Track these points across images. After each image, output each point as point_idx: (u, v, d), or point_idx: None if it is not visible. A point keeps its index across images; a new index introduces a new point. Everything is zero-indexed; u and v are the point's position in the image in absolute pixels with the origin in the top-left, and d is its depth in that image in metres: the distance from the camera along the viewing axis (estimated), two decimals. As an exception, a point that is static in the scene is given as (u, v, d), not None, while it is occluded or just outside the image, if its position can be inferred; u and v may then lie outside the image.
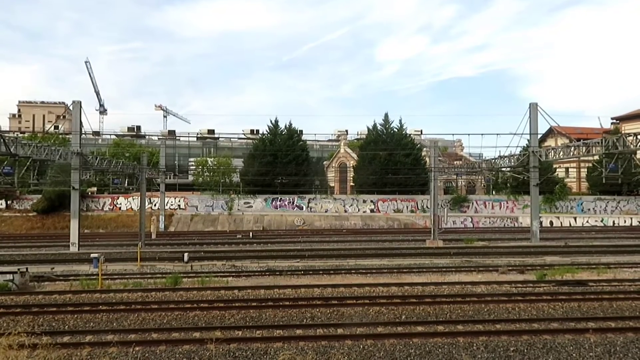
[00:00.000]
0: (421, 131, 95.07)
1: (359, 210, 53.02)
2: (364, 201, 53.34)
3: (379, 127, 57.83)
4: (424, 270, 22.96)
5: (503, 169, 45.58)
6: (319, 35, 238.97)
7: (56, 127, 74.96)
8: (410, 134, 61.40)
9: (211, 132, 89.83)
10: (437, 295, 17.02)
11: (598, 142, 29.95)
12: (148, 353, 11.58)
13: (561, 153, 33.25)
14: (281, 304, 15.86)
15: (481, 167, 47.82)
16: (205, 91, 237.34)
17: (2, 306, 15.94)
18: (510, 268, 22.97)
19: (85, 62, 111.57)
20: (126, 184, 39.83)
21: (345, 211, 52.83)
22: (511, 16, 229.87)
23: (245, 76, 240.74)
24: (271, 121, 57.87)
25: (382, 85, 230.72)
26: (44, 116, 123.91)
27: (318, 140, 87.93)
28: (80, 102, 31.04)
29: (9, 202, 53.26)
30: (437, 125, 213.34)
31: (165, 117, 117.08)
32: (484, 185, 62.00)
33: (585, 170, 59.17)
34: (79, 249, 30.10)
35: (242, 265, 24.43)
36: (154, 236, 39.81)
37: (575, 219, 51.46)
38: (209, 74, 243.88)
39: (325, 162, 71.96)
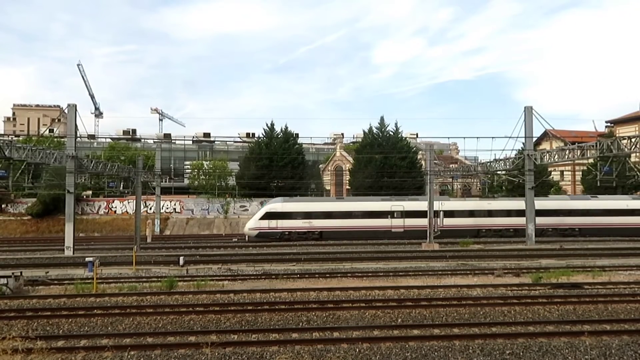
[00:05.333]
0: (417, 134, 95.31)
1: (354, 213, 52.84)
2: (360, 204, 53.21)
3: (374, 130, 57.89)
4: (420, 273, 22.96)
5: (498, 172, 45.75)
6: (315, 37, 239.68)
7: (51, 130, 74.69)
8: (406, 138, 61.52)
9: (207, 135, 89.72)
10: (433, 298, 17.04)
11: (593, 146, 30.16)
12: (143, 357, 11.54)
13: (556, 156, 33.40)
14: (277, 307, 15.83)
15: (477, 170, 47.97)
16: (201, 94, 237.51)
17: (-4, 310, 15.84)
18: (505, 271, 23.01)
19: (78, 65, 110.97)
20: (121, 188, 39.75)
21: (341, 214, 52.66)
22: (507, 19, 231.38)
23: (242, 79, 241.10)
24: (267, 124, 57.93)
25: (379, 88, 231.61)
26: (38, 119, 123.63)
27: (314, 144, 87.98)
28: (76, 105, 31.00)
29: (3, 205, 52.97)
30: (434, 128, 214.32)
31: (161, 120, 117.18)
32: (479, 189, 62.16)
33: (580, 173, 59.46)
34: (73, 253, 29.97)
35: (238, 269, 24.37)
36: (149, 240, 39.67)
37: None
38: (204, 76, 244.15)
39: (321, 166, 72.01)
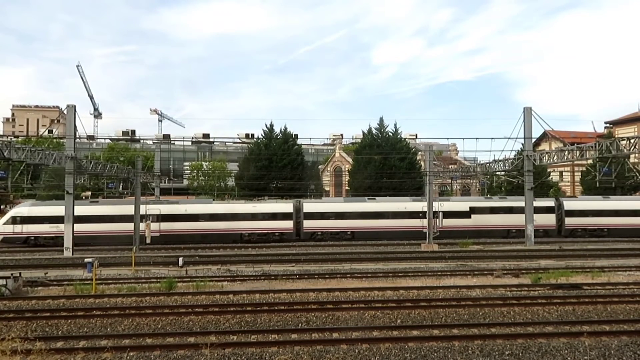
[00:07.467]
0: (416, 135, 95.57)
1: (354, 214, 52.78)
2: (359, 205, 53.18)
3: (374, 131, 57.95)
4: (419, 274, 22.99)
5: (498, 173, 45.77)
6: (315, 38, 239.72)
7: (50, 131, 74.65)
8: (405, 138, 61.60)
9: (206, 136, 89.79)
10: (432, 299, 17.05)
11: (592, 146, 30.16)
12: (142, 358, 11.54)
13: (555, 157, 33.40)
14: (276, 308, 15.84)
15: (476, 170, 47.99)
16: (200, 95, 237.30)
17: (-5, 311, 15.83)
18: (505, 272, 23.03)
19: (77, 67, 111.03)
20: (120, 188, 39.66)
21: (341, 215, 52.62)
22: (507, 20, 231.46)
23: (241, 79, 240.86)
24: (266, 125, 57.98)
25: (379, 88, 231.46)
26: (38, 120, 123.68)
27: (313, 145, 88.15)
28: (75, 106, 31.00)
29: (2, 206, 52.94)
30: (433, 129, 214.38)
31: (160, 121, 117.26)
32: (478, 189, 62.17)
33: (579, 174, 59.49)
34: (72, 254, 29.96)
35: (237, 270, 24.36)
36: (148, 240, 39.60)
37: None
38: (204, 77, 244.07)
39: (320, 166, 72.05)
